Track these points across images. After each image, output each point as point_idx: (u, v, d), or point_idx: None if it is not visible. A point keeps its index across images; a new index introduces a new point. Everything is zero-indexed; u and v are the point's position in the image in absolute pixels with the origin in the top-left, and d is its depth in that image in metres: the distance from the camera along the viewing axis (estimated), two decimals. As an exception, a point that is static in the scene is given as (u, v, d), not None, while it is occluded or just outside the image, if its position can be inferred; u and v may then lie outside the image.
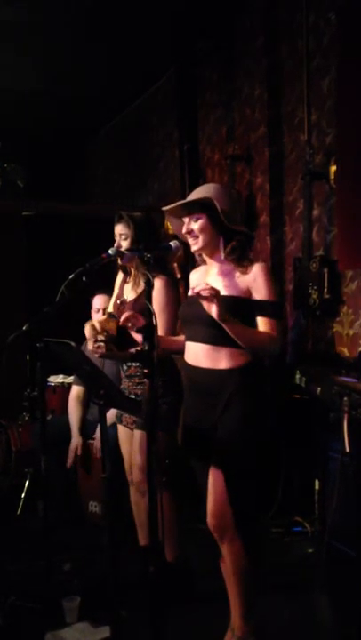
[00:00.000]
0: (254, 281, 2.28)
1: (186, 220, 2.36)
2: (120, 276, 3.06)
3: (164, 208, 2.43)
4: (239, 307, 2.23)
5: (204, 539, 2.52)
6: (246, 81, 4.91)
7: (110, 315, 2.97)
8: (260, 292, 2.27)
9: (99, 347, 2.64)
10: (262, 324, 2.27)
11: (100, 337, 2.65)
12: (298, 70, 4.28)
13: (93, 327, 2.71)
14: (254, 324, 2.28)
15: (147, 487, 1.95)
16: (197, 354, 2.34)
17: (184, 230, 2.36)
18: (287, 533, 3.63)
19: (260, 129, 4.72)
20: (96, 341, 2.63)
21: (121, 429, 3.07)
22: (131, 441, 2.98)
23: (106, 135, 7.85)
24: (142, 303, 2.50)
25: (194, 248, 2.38)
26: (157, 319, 2.61)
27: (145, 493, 2.66)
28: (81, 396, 3.95)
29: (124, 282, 3.02)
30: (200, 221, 2.32)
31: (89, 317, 3.66)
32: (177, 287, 2.91)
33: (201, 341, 2.32)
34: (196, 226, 2.33)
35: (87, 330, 2.73)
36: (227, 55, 5.16)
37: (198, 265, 2.54)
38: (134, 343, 2.62)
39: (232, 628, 2.43)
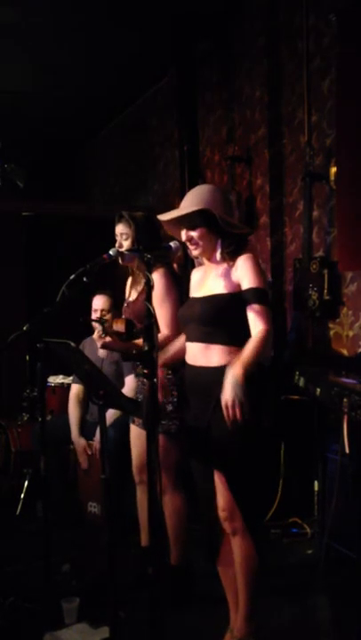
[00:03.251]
0: (239, 270, 2.31)
1: (183, 232, 2.37)
2: (130, 278, 3.08)
3: (160, 217, 2.41)
4: (235, 302, 2.26)
5: (203, 539, 2.52)
6: (246, 82, 4.91)
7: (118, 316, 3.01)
8: (245, 279, 2.29)
9: (101, 336, 2.71)
10: (252, 312, 2.27)
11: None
12: (298, 71, 4.28)
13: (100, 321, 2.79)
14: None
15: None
16: (194, 352, 2.37)
17: (184, 238, 2.38)
18: (286, 535, 3.63)
19: (261, 130, 4.72)
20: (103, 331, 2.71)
21: (133, 429, 3.04)
22: (142, 441, 2.96)
23: (106, 135, 7.84)
24: (141, 303, 2.50)
25: (194, 253, 2.41)
26: (158, 311, 2.63)
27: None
28: (80, 396, 3.95)
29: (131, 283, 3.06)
30: (199, 230, 2.34)
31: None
32: (176, 278, 2.91)
33: (195, 340, 2.35)
34: (195, 234, 2.35)
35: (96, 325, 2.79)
36: (227, 56, 5.16)
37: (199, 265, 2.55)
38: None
39: (231, 630, 2.42)
